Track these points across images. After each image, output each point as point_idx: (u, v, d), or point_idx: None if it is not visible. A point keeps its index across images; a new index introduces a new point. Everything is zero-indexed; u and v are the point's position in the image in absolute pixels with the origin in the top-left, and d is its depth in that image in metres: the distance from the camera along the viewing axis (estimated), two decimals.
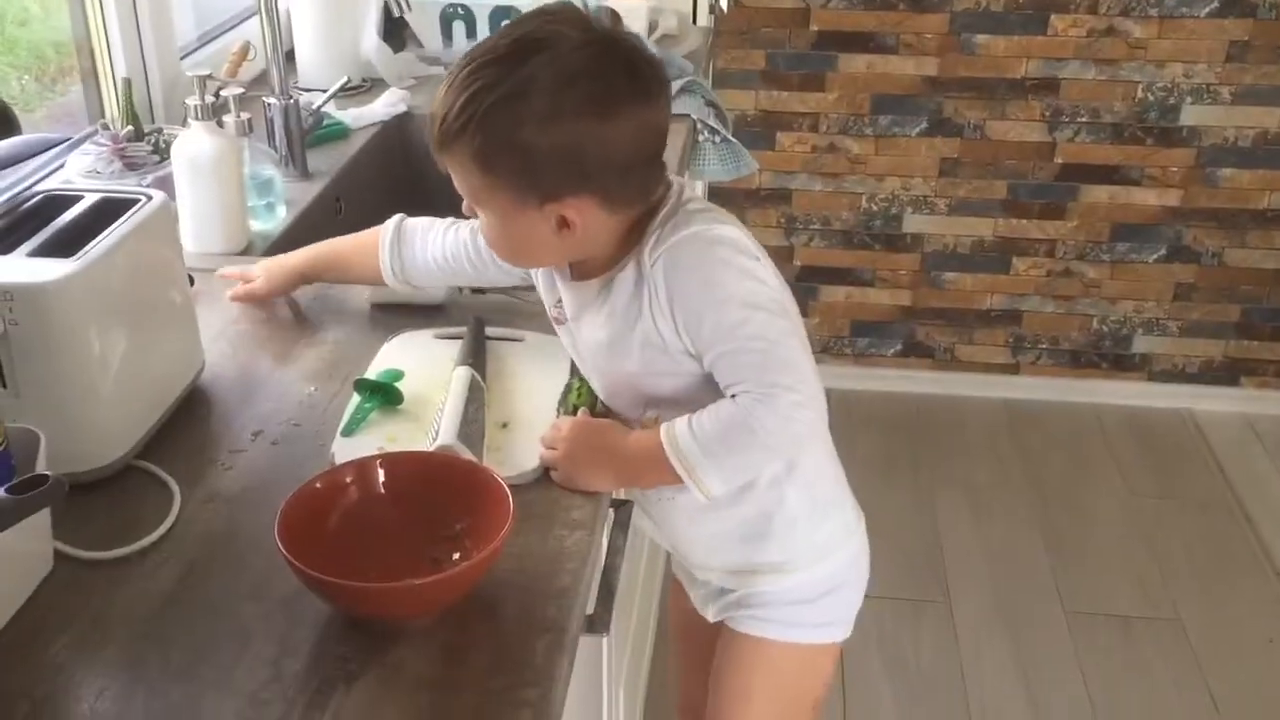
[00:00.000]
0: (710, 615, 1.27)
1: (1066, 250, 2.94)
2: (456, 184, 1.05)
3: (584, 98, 0.97)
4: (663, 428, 1.05)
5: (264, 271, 1.33)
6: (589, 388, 1.15)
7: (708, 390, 1.05)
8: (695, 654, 1.40)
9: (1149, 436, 2.94)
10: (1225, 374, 3.04)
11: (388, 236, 1.28)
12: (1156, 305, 2.98)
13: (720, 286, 1.02)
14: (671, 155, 1.79)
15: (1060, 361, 3.07)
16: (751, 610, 1.23)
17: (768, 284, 1.04)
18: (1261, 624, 2.35)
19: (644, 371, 1.08)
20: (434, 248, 1.26)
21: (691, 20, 2.39)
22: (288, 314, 1.33)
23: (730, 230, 1.04)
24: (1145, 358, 3.04)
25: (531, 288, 1.19)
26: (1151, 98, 2.75)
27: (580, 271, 1.10)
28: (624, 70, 0.99)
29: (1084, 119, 2.79)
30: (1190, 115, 2.76)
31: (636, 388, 1.11)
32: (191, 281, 1.20)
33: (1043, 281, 2.98)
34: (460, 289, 1.36)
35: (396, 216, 1.29)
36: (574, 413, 1.12)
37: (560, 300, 1.13)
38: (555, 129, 0.97)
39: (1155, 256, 2.92)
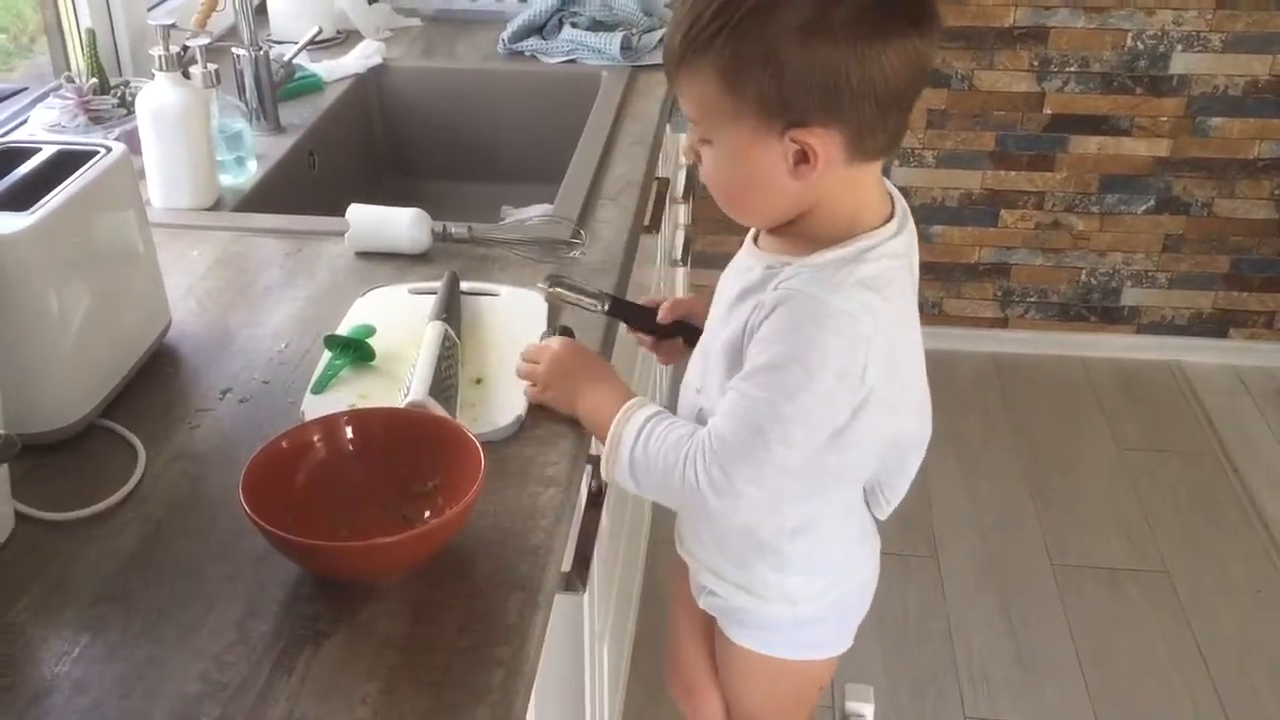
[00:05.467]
0: (700, 603, 1.25)
1: (1055, 202, 2.91)
2: (688, 108, 0.97)
3: (855, 11, 0.87)
4: (626, 406, 1.02)
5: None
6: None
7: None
8: (690, 628, 1.38)
9: (1137, 389, 2.93)
10: (1214, 325, 3.02)
11: None
12: (1145, 257, 2.96)
13: (792, 351, 0.94)
14: None
15: (1049, 314, 3.05)
16: (740, 622, 1.22)
17: (827, 399, 0.94)
18: (1249, 575, 2.35)
19: (714, 353, 1.04)
20: None
21: None
22: (258, 270, 1.30)
23: (854, 332, 0.93)
24: (1134, 310, 3.03)
25: (524, 241, 1.15)
26: (1141, 46, 2.71)
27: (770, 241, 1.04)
28: None
29: (1073, 69, 2.75)
30: (1180, 64, 2.72)
31: (705, 363, 1.07)
32: None
33: (1031, 234, 2.96)
34: (444, 236, 1.32)
35: None
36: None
37: None
38: (818, 43, 0.87)
39: (1144, 208, 2.90)
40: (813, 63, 0.88)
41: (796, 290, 0.95)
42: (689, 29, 0.92)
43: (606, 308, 1.17)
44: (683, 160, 2.33)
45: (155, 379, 1.10)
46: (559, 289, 1.16)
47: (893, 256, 0.99)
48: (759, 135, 0.93)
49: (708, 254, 2.95)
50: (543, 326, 1.15)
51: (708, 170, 0.99)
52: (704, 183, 1.01)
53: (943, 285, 3.03)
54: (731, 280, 1.06)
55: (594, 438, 1.06)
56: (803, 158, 0.93)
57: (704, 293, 1.19)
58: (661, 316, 1.20)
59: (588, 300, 1.16)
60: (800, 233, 1.00)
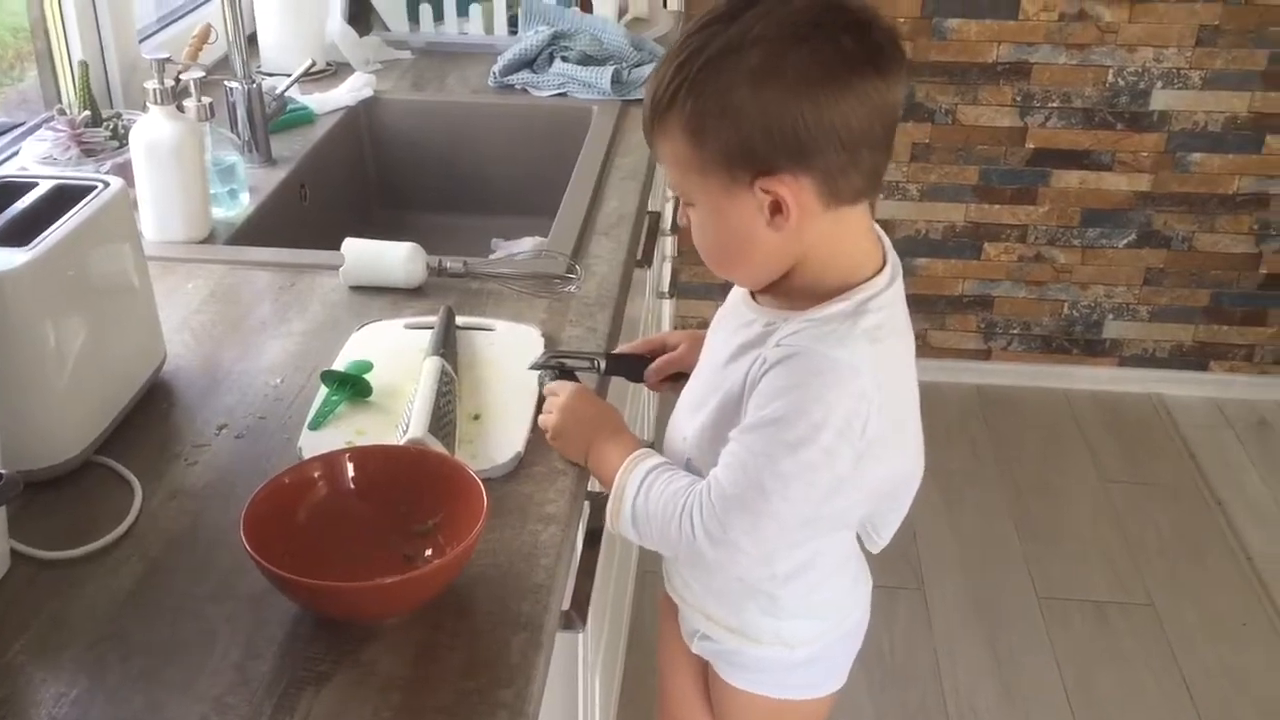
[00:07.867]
0: (692, 647, 1.25)
1: (1038, 235, 2.94)
2: (666, 170, 0.96)
3: (806, 56, 0.87)
4: (631, 458, 1.02)
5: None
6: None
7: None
8: (681, 668, 1.34)
9: (1120, 421, 2.95)
10: (1195, 358, 3.05)
11: None
12: (1127, 290, 2.98)
13: (796, 406, 0.93)
14: None
15: (1031, 347, 3.07)
16: (734, 664, 1.21)
17: (829, 454, 0.93)
18: (1234, 608, 2.36)
19: (708, 409, 1.03)
20: None
21: (662, 3, 2.36)
22: (252, 303, 1.29)
23: (857, 387, 0.93)
24: (1116, 343, 3.05)
25: (520, 276, 1.15)
26: (1122, 82, 2.75)
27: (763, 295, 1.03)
28: (854, 33, 0.88)
29: (1055, 104, 2.79)
30: (1161, 100, 2.76)
31: (694, 413, 1.06)
32: None
33: (1014, 267, 2.98)
34: (439, 271, 1.32)
35: None
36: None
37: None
38: (772, 89, 0.87)
39: (1125, 241, 2.93)
40: (767, 110, 0.88)
41: (801, 346, 0.94)
42: (654, 90, 0.93)
43: (603, 368, 1.16)
44: (669, 194, 2.35)
45: (151, 415, 1.09)
46: (548, 368, 1.14)
47: (891, 305, 0.99)
48: (730, 189, 0.93)
49: (692, 285, 2.96)
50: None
51: (694, 233, 0.99)
52: (695, 245, 1.01)
53: (926, 317, 3.04)
54: (726, 335, 1.05)
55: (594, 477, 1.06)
56: (777, 208, 0.92)
57: (686, 332, 1.20)
58: (651, 384, 1.20)
59: (581, 366, 1.15)
60: (796, 287, 0.99)
